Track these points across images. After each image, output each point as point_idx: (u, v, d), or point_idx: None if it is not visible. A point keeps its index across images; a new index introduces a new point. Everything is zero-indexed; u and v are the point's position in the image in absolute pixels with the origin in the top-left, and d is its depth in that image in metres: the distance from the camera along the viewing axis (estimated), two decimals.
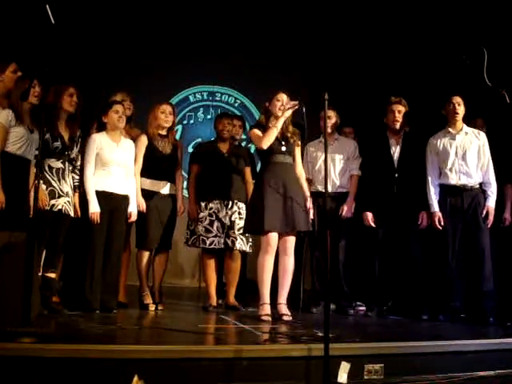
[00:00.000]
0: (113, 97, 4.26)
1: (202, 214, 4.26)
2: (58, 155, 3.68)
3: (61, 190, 3.66)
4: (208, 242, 4.20)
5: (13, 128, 3.48)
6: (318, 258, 4.35)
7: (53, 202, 3.60)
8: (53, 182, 3.63)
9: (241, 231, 4.20)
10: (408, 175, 4.23)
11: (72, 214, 3.72)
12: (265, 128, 3.81)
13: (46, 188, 3.58)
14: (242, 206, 4.30)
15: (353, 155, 4.50)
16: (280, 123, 3.75)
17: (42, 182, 3.46)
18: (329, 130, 4.43)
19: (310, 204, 3.89)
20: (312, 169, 4.45)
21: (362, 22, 6.40)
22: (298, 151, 4.00)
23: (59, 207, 3.62)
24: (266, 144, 3.74)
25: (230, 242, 4.19)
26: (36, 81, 3.56)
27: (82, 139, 3.88)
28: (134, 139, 4.18)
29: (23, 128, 3.52)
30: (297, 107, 3.74)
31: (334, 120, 4.46)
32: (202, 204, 4.29)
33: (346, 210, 4.34)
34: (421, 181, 4.20)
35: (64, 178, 3.70)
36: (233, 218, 4.23)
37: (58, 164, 3.69)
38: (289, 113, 3.76)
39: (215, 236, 4.21)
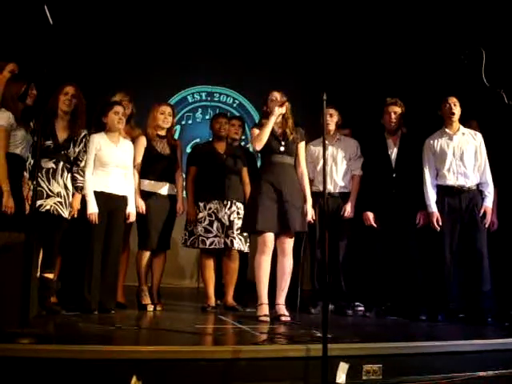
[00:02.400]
0: (112, 98, 4.26)
1: (201, 215, 4.26)
2: (49, 155, 3.64)
3: (50, 191, 3.61)
4: (208, 243, 4.20)
5: (13, 131, 3.48)
6: (319, 258, 4.33)
7: (40, 202, 3.53)
8: (41, 183, 3.58)
9: (239, 231, 4.20)
10: (406, 175, 4.24)
11: (66, 214, 3.66)
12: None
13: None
14: (241, 205, 4.30)
15: (355, 155, 4.50)
16: (271, 122, 3.73)
17: (32, 181, 3.44)
18: (332, 128, 4.45)
19: (308, 206, 3.87)
20: (314, 168, 4.45)
21: (360, 22, 6.40)
22: (301, 150, 3.95)
23: (47, 207, 3.57)
24: (258, 145, 3.74)
25: (229, 242, 4.20)
26: (33, 83, 3.56)
27: (87, 140, 3.84)
28: (134, 140, 4.18)
29: (22, 130, 3.52)
30: (286, 104, 3.74)
31: (336, 118, 4.47)
32: (201, 204, 4.29)
33: (348, 211, 4.35)
34: (419, 181, 4.20)
35: (55, 178, 3.65)
36: (231, 218, 4.24)
37: (50, 164, 3.65)
38: (279, 111, 3.74)
39: (215, 236, 4.21)
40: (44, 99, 3.46)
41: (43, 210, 3.56)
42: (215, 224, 4.23)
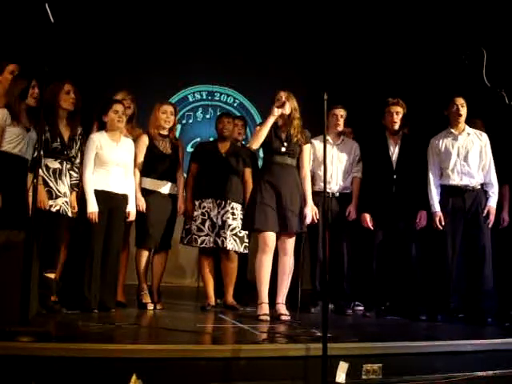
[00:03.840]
0: (114, 96, 4.26)
1: (195, 213, 4.26)
2: (56, 155, 3.67)
3: (58, 191, 3.64)
4: (199, 241, 4.19)
5: (8, 127, 3.48)
6: (321, 258, 4.32)
7: (51, 202, 3.58)
8: (49, 183, 3.62)
9: (233, 231, 4.19)
10: (406, 176, 4.24)
11: (70, 213, 3.70)
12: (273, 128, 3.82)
13: (43, 188, 3.56)
14: (237, 206, 4.28)
15: (357, 157, 4.51)
16: (269, 123, 3.74)
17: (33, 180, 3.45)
18: (340, 129, 4.47)
19: (308, 209, 3.85)
20: (315, 167, 4.43)
21: (362, 22, 6.40)
22: (305, 152, 3.94)
23: (57, 208, 3.61)
24: (255, 144, 3.75)
25: (219, 242, 4.18)
26: (35, 82, 3.56)
27: (83, 137, 3.86)
28: (135, 139, 4.19)
29: (19, 127, 3.51)
30: (285, 105, 3.74)
31: (344, 118, 4.48)
32: (196, 203, 4.28)
33: (352, 213, 4.35)
34: (419, 182, 4.21)
35: (61, 178, 3.68)
36: (224, 218, 4.21)
37: (56, 164, 3.68)
38: (278, 111, 3.75)
39: (206, 235, 4.20)
40: (44, 97, 3.45)
41: (54, 210, 3.58)
42: (207, 223, 4.22)
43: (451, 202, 4.10)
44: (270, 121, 3.75)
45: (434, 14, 5.59)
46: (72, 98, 3.73)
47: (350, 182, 4.47)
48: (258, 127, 3.87)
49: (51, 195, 3.60)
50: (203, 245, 4.20)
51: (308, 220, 3.87)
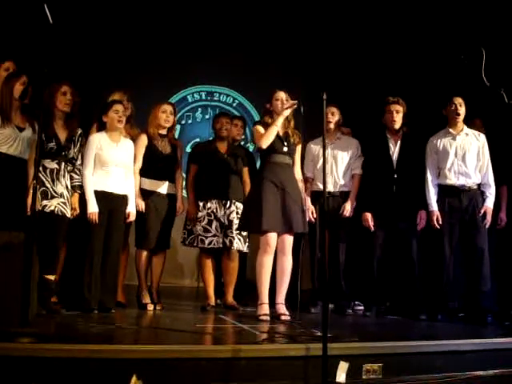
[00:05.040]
0: (111, 96, 4.25)
1: (200, 214, 4.26)
2: (52, 156, 3.65)
3: (54, 191, 3.62)
4: (207, 242, 4.20)
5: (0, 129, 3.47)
6: (319, 257, 4.33)
7: (45, 202, 3.56)
8: (46, 183, 3.60)
9: (238, 230, 4.19)
10: (407, 175, 4.24)
11: (68, 214, 3.68)
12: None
13: (39, 188, 3.51)
14: (240, 205, 4.29)
15: (355, 154, 4.49)
16: (279, 122, 3.75)
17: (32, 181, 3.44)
18: (332, 126, 4.45)
19: (308, 204, 3.89)
20: (314, 167, 4.44)
21: (361, 22, 6.40)
22: (297, 151, 4.00)
23: (51, 208, 3.58)
24: (265, 143, 3.74)
25: (227, 242, 4.19)
26: (26, 78, 3.54)
27: (82, 138, 3.84)
28: (134, 139, 4.19)
29: (10, 128, 3.50)
30: (295, 107, 3.75)
31: (337, 117, 4.46)
32: (201, 204, 4.28)
33: (347, 210, 4.34)
34: (420, 181, 4.21)
35: (58, 179, 3.67)
36: (230, 218, 4.23)
37: (53, 165, 3.66)
38: (287, 112, 3.76)
39: (214, 236, 4.21)
40: (43, 98, 3.44)
41: (48, 211, 3.57)
42: (214, 223, 4.23)
43: (448, 201, 4.10)
44: (280, 120, 3.75)
45: (434, 14, 5.59)
46: (68, 99, 3.71)
47: (349, 179, 4.45)
48: (259, 126, 3.86)
49: (46, 195, 3.59)
50: (211, 245, 4.20)
51: (308, 215, 3.87)
